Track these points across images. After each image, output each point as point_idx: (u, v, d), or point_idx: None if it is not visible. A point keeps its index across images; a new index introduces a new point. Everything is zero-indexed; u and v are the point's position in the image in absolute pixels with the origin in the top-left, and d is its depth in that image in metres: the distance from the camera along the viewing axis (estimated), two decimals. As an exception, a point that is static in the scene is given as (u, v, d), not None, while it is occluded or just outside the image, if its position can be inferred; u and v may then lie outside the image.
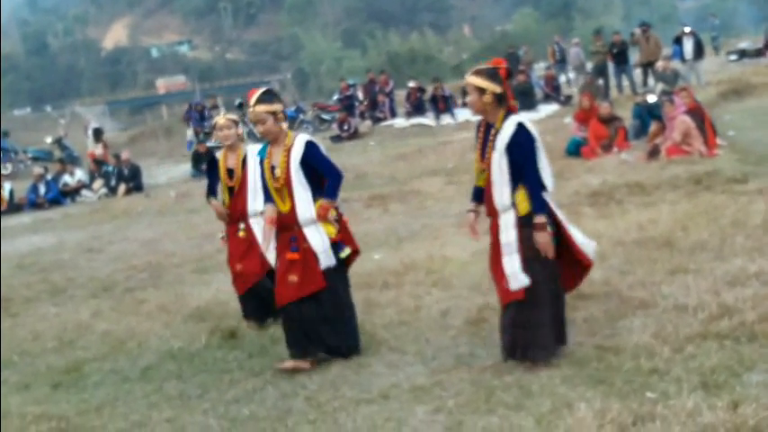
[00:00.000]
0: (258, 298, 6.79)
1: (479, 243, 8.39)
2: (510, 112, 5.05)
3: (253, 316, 6.86)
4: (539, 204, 4.92)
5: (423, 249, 8.80)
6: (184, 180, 20.75)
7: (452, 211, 11.22)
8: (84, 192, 20.40)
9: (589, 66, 24.96)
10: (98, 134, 24.63)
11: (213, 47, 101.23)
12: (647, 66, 21.93)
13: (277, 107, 5.63)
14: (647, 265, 6.89)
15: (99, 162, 21.74)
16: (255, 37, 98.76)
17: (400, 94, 27.55)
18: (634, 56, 23.00)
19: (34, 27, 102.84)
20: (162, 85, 79.58)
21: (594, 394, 4.46)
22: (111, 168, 20.84)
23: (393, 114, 25.99)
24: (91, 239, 13.39)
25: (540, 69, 29.54)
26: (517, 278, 4.95)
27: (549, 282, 5.03)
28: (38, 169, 20.95)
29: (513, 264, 4.96)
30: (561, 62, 28.18)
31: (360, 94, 27.47)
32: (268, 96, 5.66)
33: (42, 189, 20.00)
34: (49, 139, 30.31)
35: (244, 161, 6.86)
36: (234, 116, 7.06)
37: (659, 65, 20.15)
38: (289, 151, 5.60)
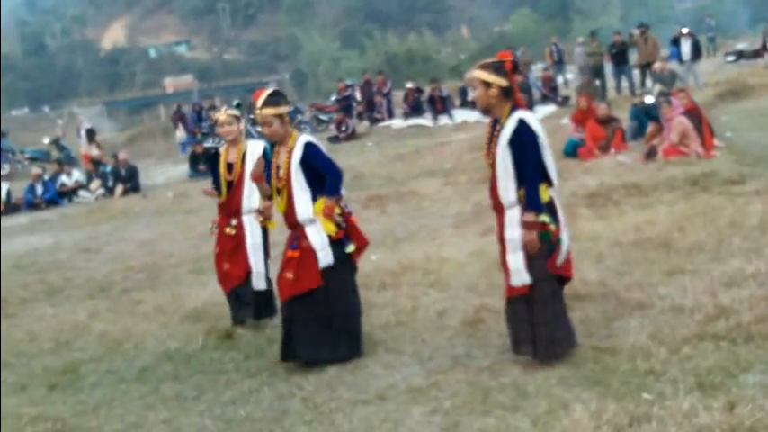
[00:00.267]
0: (240, 302, 6.87)
1: (476, 244, 8.44)
2: (515, 107, 5.02)
3: (236, 320, 6.88)
4: (533, 203, 4.90)
5: (420, 250, 8.80)
6: (182, 181, 20.76)
7: (450, 211, 11.24)
8: (82, 192, 20.39)
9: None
10: (91, 135, 24.61)
11: (211, 47, 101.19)
12: (645, 67, 21.95)
13: (283, 110, 5.70)
14: (644, 266, 6.90)
15: (96, 162, 21.74)
16: (254, 37, 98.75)
17: (398, 95, 27.58)
18: (632, 57, 23.02)
19: (32, 27, 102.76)
20: (170, 83, 79.68)
21: (591, 395, 4.46)
22: (108, 169, 20.85)
23: (391, 115, 26.01)
24: (88, 240, 13.38)
25: (537, 70, 29.56)
26: (520, 275, 4.95)
27: (551, 279, 5.04)
28: (36, 169, 20.94)
29: (517, 260, 4.96)
30: (559, 63, 28.21)
31: (357, 95, 27.48)
32: (275, 99, 5.71)
33: (40, 189, 19.99)
34: (46, 140, 30.29)
35: (244, 156, 6.86)
36: (235, 112, 7.05)
37: (657, 66, 20.17)
38: (291, 152, 5.66)
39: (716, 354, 4.78)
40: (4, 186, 20.24)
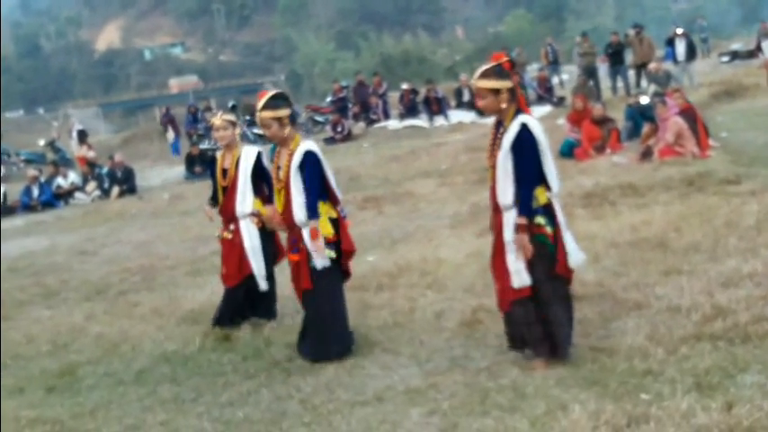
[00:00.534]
0: (231, 304, 6.93)
1: (473, 245, 8.45)
2: (519, 110, 5.03)
3: (219, 323, 6.90)
4: (524, 207, 4.91)
5: (417, 251, 8.81)
6: (178, 182, 20.75)
7: (446, 212, 11.24)
8: (78, 194, 20.37)
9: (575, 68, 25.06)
10: (82, 136, 24.58)
11: (206, 49, 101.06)
12: (641, 67, 21.99)
13: (282, 113, 5.76)
14: (641, 266, 6.91)
15: (92, 164, 21.72)
16: (249, 39, 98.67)
17: (393, 96, 27.57)
18: (628, 57, 23.05)
19: (27, 29, 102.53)
20: (175, 84, 79.70)
21: (589, 396, 4.47)
22: (104, 171, 20.83)
23: (386, 116, 26.00)
24: (84, 242, 13.37)
25: (533, 71, 29.58)
26: (520, 276, 4.95)
27: (552, 280, 5.05)
28: (32, 171, 20.92)
29: (518, 264, 4.96)
30: (554, 64, 28.22)
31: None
32: (274, 102, 5.78)
33: (36, 191, 19.96)
34: (41, 142, 30.27)
35: (238, 162, 6.87)
36: (231, 117, 7.05)
37: (652, 66, 20.21)
38: (291, 155, 5.74)
39: (713, 354, 4.78)
40: (0, 188, 20.22)
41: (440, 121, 23.79)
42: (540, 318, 5.01)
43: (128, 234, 13.73)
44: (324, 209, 5.78)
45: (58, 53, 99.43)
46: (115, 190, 19.95)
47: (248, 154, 6.86)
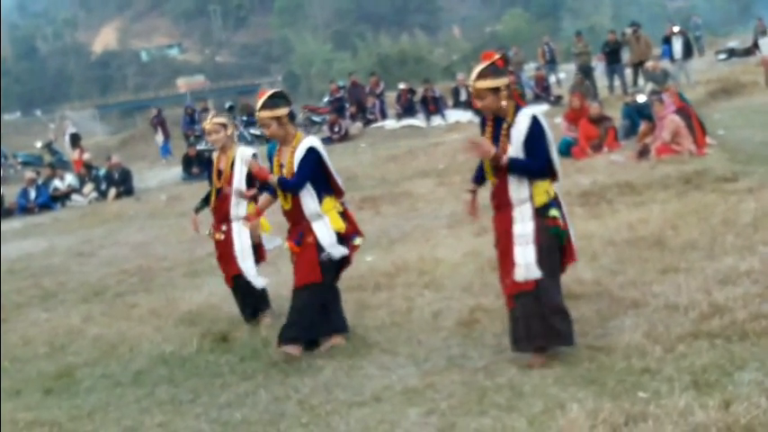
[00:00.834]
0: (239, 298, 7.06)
1: (471, 244, 8.44)
2: (519, 105, 5.06)
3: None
4: (518, 166, 4.96)
5: (414, 251, 8.80)
6: (175, 183, 20.73)
7: (444, 212, 11.23)
8: (75, 196, 20.37)
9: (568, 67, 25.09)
10: (75, 139, 24.56)
11: (203, 50, 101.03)
12: (638, 65, 21.99)
13: (280, 112, 5.83)
14: (638, 264, 6.91)
15: (89, 166, 21.71)
16: (245, 40, 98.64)
17: (391, 96, 27.55)
18: (625, 56, 23.07)
19: (23, 31, 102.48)
20: (183, 84, 79.98)
21: (586, 394, 4.46)
22: (101, 172, 20.82)
23: (383, 116, 26.00)
24: (81, 244, 13.36)
25: (530, 70, 29.58)
26: (529, 269, 4.95)
27: (556, 274, 5.09)
28: (30, 174, 20.92)
29: (527, 254, 4.96)
30: (551, 63, 28.26)
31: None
32: (272, 101, 5.85)
33: (33, 194, 19.94)
34: (38, 144, 30.25)
35: (233, 163, 6.88)
36: (222, 119, 7.04)
37: (649, 65, 20.21)
38: (294, 153, 5.83)
39: (711, 352, 4.78)
40: (-1, 191, 20.23)
41: (437, 120, 23.80)
42: (540, 313, 5.00)
43: (125, 235, 13.72)
44: (330, 203, 5.92)
45: (54, 55, 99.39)
46: (112, 192, 19.94)
47: (243, 156, 6.87)
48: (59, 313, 8.51)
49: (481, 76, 5.02)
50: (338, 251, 5.86)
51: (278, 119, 5.81)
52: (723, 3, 60.82)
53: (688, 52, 22.83)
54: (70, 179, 20.94)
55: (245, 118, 27.54)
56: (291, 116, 5.93)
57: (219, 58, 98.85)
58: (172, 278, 9.59)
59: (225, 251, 6.93)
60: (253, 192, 6.72)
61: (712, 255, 6.81)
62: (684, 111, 12.55)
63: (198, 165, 20.73)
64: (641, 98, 15.10)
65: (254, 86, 70.36)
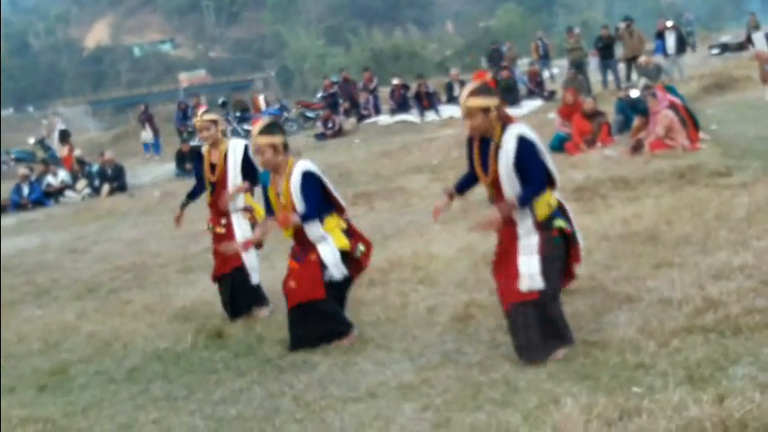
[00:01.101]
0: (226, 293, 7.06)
1: (465, 239, 8.44)
2: (504, 123, 5.06)
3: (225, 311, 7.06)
4: (525, 199, 4.95)
5: (408, 247, 8.80)
6: (168, 179, 20.69)
7: (438, 207, 11.21)
8: (68, 192, 20.31)
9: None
10: (64, 136, 24.45)
11: (196, 45, 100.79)
12: (631, 60, 22.01)
13: (277, 140, 5.87)
14: (632, 259, 6.92)
15: (81, 162, 21.64)
16: (239, 35, 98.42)
17: (384, 92, 27.53)
18: (618, 51, 23.07)
19: (15, 27, 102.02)
20: (184, 78, 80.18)
21: (581, 389, 4.47)
22: (94, 168, 20.77)
23: (377, 111, 25.99)
24: (75, 240, 13.33)
25: (523, 65, 29.60)
26: (533, 279, 4.97)
27: (558, 284, 5.12)
28: (23, 170, 20.84)
29: (531, 264, 4.99)
30: (545, 58, 28.26)
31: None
32: (269, 128, 5.92)
33: (26, 190, 19.89)
34: (31, 140, 30.15)
35: (226, 156, 6.89)
36: (212, 115, 7.05)
37: (642, 60, 20.22)
38: (289, 180, 5.86)
39: (705, 346, 4.79)
40: (-2, 187, 20.18)
41: (431, 116, 23.79)
42: (541, 322, 5.02)
43: (119, 232, 13.70)
44: (333, 222, 5.97)
45: (47, 51, 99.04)
46: (105, 188, 19.90)
47: (236, 148, 6.91)
48: (53, 310, 8.49)
49: (473, 94, 5.03)
50: (340, 272, 5.86)
51: (274, 146, 5.83)
52: (716, -2, 60.90)
53: (681, 47, 22.85)
54: (63, 175, 20.87)
55: (238, 113, 27.51)
56: (285, 146, 5.93)
57: (212, 53, 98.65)
58: (166, 274, 9.57)
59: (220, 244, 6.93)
60: (247, 185, 6.75)
61: (706, 249, 6.82)
62: (672, 106, 12.55)
63: (191, 160, 20.66)
64: (634, 93, 15.12)
65: (248, 82, 70.45)
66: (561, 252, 5.13)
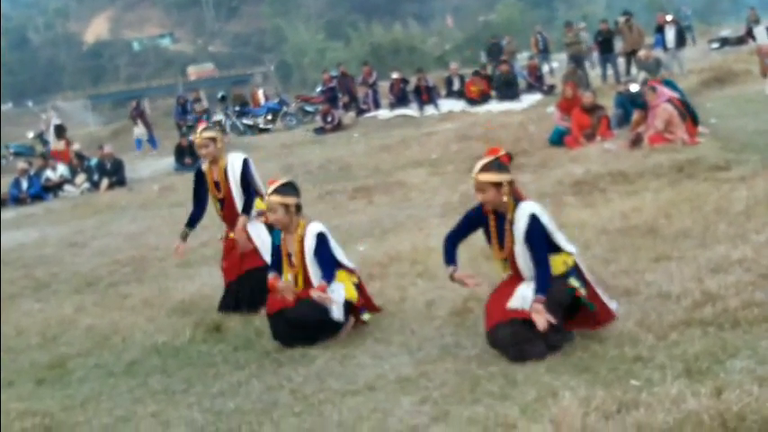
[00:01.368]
0: (232, 295, 7.07)
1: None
2: (518, 200, 5.14)
3: (224, 309, 7.05)
4: (541, 286, 4.97)
5: (407, 240, 8.80)
6: (167, 174, 20.66)
7: (437, 201, 11.23)
8: (67, 187, 20.28)
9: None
10: (60, 131, 24.39)
11: (195, 40, 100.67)
12: (630, 54, 22.00)
13: (290, 200, 5.93)
14: (631, 253, 6.92)
15: (81, 156, 21.63)
16: (238, 29, 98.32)
17: (384, 86, 27.50)
18: (618, 45, 23.07)
19: (14, 22, 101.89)
20: (193, 72, 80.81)
21: (579, 382, 4.47)
22: (93, 163, 20.75)
23: (377, 106, 25.98)
24: (74, 234, 13.32)
25: (523, 59, 29.57)
26: (525, 301, 5.00)
27: (559, 318, 5.08)
28: (22, 164, 20.82)
29: (527, 291, 5.03)
30: (544, 52, 28.24)
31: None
32: (284, 188, 5.97)
33: (25, 184, 19.87)
34: (30, 134, 30.13)
35: (226, 172, 6.99)
36: (211, 133, 7.05)
37: (641, 54, 20.20)
38: (302, 241, 5.93)
39: (703, 340, 4.79)
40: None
41: (430, 110, 23.76)
42: (531, 338, 5.01)
43: (117, 226, 13.69)
44: (344, 275, 6.02)
45: (46, 45, 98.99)
46: (104, 182, 19.86)
47: (234, 163, 6.98)
48: (52, 304, 8.49)
49: (485, 169, 5.10)
50: (339, 314, 5.86)
51: (286, 206, 5.90)
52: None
53: (681, 41, 22.84)
54: (62, 170, 20.83)
55: (237, 108, 27.49)
56: (299, 207, 5.98)
57: (212, 47, 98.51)
58: (164, 268, 9.56)
59: (231, 248, 7.04)
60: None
61: (705, 243, 6.82)
62: (669, 100, 12.51)
63: (190, 155, 20.69)
64: (634, 87, 15.09)
65: (247, 76, 70.40)
66: (568, 301, 5.13)
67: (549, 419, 4.00)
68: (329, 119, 23.87)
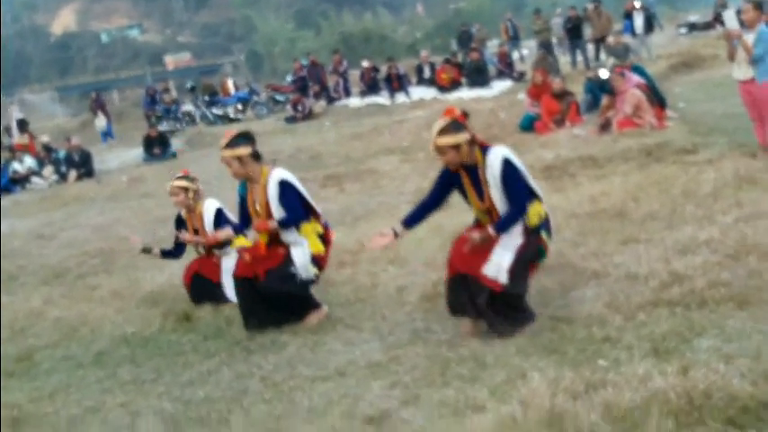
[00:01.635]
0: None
1: (434, 220, 8.41)
2: (484, 147, 5.13)
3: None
4: (502, 225, 5.01)
5: (379, 227, 8.73)
6: (136, 165, 20.48)
7: (408, 188, 11.24)
8: (35, 179, 20.05)
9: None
10: (23, 125, 24.10)
11: (164, 30, 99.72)
12: (599, 41, 22.10)
13: (241, 151, 5.82)
14: (600, 236, 6.95)
15: (48, 148, 21.39)
16: (207, 19, 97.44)
17: (354, 74, 27.43)
18: (586, 32, 23.16)
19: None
20: (170, 61, 79.90)
21: (548, 364, 4.49)
22: (61, 154, 20.53)
23: (347, 94, 25.92)
24: (42, 226, 13.19)
25: (493, 46, 29.59)
26: (499, 272, 5.01)
27: (526, 288, 5.19)
28: (-10, 157, 20.56)
29: (504, 258, 5.03)
30: (514, 39, 28.29)
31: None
32: (234, 141, 5.87)
33: (-8, 177, 19.64)
34: (-5, 127, 29.67)
35: (202, 219, 7.01)
36: (183, 183, 7.04)
37: (610, 40, 20.29)
38: (265, 189, 5.85)
39: (670, 320, 4.83)
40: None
41: (401, 98, 23.73)
42: (503, 312, 5.08)
43: (86, 218, 13.57)
44: (310, 227, 5.95)
45: (13, 38, 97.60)
46: (72, 174, 19.66)
47: (208, 211, 6.98)
48: (20, 296, 8.42)
49: (442, 132, 5.10)
50: (307, 273, 5.86)
51: (239, 158, 5.81)
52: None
53: (649, 27, 22.95)
54: (30, 162, 20.57)
55: (206, 98, 27.30)
56: (256, 155, 5.88)
57: (181, 38, 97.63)
58: (133, 259, 9.48)
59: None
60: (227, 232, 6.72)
61: (672, 225, 6.86)
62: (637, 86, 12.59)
63: (159, 145, 20.54)
64: (604, 73, 15.15)
65: (217, 66, 69.84)
66: (537, 260, 5.20)
67: (518, 401, 4.01)
68: (300, 108, 23.77)
